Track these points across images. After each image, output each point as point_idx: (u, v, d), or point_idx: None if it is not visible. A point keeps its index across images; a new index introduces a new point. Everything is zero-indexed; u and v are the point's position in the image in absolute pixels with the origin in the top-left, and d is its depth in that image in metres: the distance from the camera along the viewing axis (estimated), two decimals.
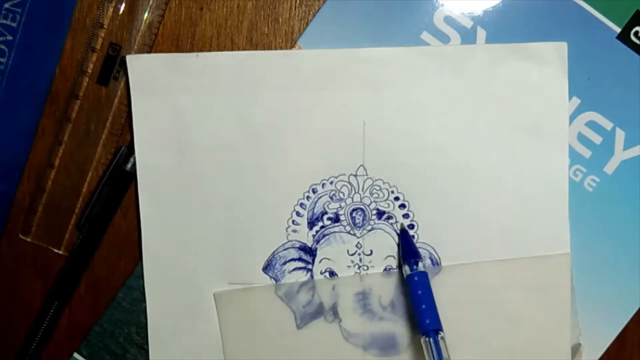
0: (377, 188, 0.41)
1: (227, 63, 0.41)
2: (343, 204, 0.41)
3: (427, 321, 0.37)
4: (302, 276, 0.42)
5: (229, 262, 0.41)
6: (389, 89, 0.40)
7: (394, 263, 0.41)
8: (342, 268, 0.42)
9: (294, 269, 0.41)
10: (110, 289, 0.43)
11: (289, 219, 0.41)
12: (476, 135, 0.41)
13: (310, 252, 0.41)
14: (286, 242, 0.41)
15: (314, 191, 0.41)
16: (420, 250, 0.41)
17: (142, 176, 0.41)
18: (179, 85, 0.41)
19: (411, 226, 0.41)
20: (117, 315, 0.43)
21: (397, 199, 0.41)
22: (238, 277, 0.41)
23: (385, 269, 0.41)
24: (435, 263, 0.41)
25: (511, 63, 0.40)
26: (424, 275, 0.39)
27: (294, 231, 0.41)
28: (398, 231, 0.41)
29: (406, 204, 0.41)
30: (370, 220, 0.41)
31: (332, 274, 0.42)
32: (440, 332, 0.37)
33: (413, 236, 0.41)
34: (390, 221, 0.41)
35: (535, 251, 0.41)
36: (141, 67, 0.41)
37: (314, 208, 0.41)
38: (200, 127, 0.41)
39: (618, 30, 0.40)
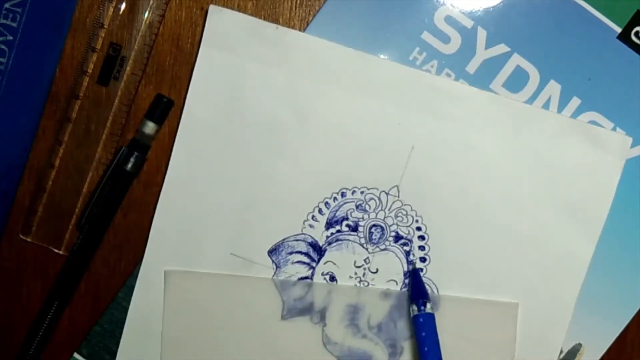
0: (404, 212, 0.41)
1: (303, 46, 0.40)
2: (366, 217, 0.41)
3: None
4: (304, 271, 0.42)
5: (239, 233, 0.41)
6: (448, 122, 0.40)
7: (395, 288, 0.41)
8: (343, 276, 0.42)
9: (298, 262, 0.41)
10: (110, 289, 0.43)
11: (310, 213, 0.41)
12: (516, 197, 0.41)
13: (319, 251, 0.41)
14: (299, 234, 0.41)
15: (342, 195, 0.41)
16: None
17: (185, 124, 0.41)
18: (250, 51, 0.40)
19: (423, 259, 0.41)
20: (117, 315, 0.43)
21: (419, 229, 0.41)
22: (241, 251, 0.41)
23: (384, 292, 0.41)
24: (434, 302, 0.41)
25: (573, 139, 0.40)
26: (430, 317, 0.39)
27: (311, 226, 0.41)
28: (410, 259, 0.41)
29: (426, 236, 0.41)
30: (387, 240, 0.41)
31: (333, 278, 0.42)
32: None
33: (421, 269, 0.41)
34: (405, 247, 0.41)
35: (535, 322, 0.41)
36: (220, 20, 0.40)
37: (337, 211, 0.41)
38: (255, 97, 0.41)
39: (619, 30, 0.40)
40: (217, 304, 0.42)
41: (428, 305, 0.39)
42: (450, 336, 0.40)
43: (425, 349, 0.38)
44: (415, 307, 0.39)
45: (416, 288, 0.40)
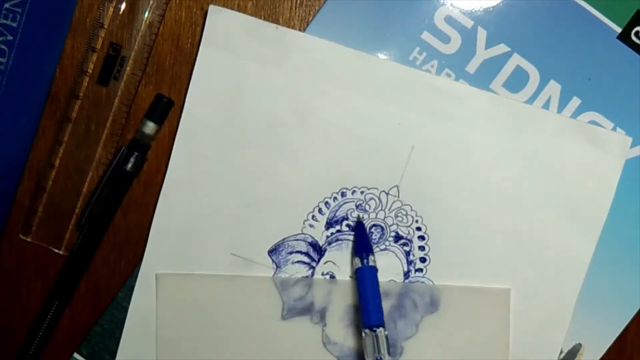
0: (404, 212, 0.41)
1: (303, 46, 0.40)
2: (366, 217, 0.41)
3: (371, 316, 0.37)
4: (304, 271, 0.42)
5: (239, 233, 0.41)
6: (448, 122, 0.40)
7: (395, 289, 0.41)
8: (343, 276, 0.42)
9: (298, 262, 0.41)
10: (110, 289, 0.43)
11: (310, 213, 0.41)
12: (516, 197, 0.41)
13: (319, 250, 0.41)
14: (299, 234, 0.41)
15: (342, 195, 0.41)
16: (424, 286, 0.41)
17: (184, 124, 0.41)
18: (250, 51, 0.40)
19: (423, 259, 0.41)
20: (117, 315, 0.43)
21: (419, 229, 0.41)
22: (241, 251, 0.41)
23: (384, 292, 0.41)
24: (435, 303, 0.41)
25: (573, 139, 0.40)
26: (372, 270, 0.39)
27: (311, 226, 0.41)
28: (404, 254, 0.41)
29: (426, 236, 0.41)
30: (386, 240, 0.41)
31: (333, 278, 0.42)
32: (381, 327, 0.37)
33: (421, 269, 0.41)
34: (405, 247, 0.41)
35: (535, 322, 0.41)
36: (220, 20, 0.40)
37: (337, 210, 0.41)
38: (255, 97, 0.41)
39: (619, 30, 0.40)
40: (215, 304, 0.42)
41: (371, 258, 0.39)
42: (447, 322, 0.41)
43: (368, 301, 0.38)
44: (358, 260, 0.39)
45: (360, 241, 0.40)
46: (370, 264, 0.39)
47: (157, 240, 0.42)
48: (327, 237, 0.41)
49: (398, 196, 0.41)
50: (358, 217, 0.41)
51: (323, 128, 0.41)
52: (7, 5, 0.40)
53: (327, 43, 0.40)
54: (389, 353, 0.37)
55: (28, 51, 0.41)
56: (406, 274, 0.41)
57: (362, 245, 0.40)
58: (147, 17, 0.41)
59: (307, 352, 0.42)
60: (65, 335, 0.44)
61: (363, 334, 0.37)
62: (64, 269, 0.43)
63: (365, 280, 0.39)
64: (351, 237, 0.41)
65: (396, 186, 0.41)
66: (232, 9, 0.41)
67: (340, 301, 0.42)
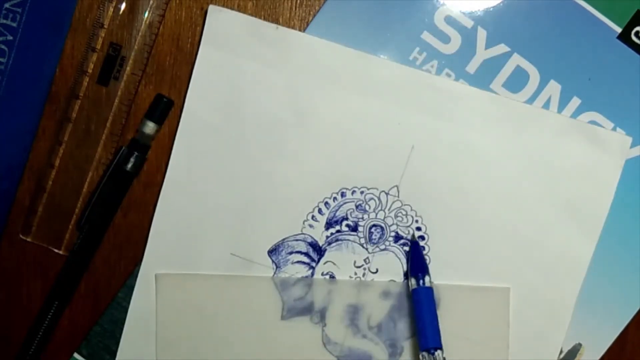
0: (403, 213, 0.41)
1: (303, 46, 0.40)
2: (365, 217, 0.41)
3: (428, 338, 0.37)
4: (304, 271, 0.42)
5: (239, 233, 0.41)
6: (448, 122, 0.40)
7: (395, 288, 0.41)
8: (343, 276, 0.42)
9: (298, 262, 0.41)
10: (110, 289, 0.43)
11: (310, 213, 0.41)
12: (516, 197, 0.40)
13: (319, 250, 0.41)
14: (299, 234, 0.41)
15: (342, 195, 0.41)
16: None
17: (184, 124, 0.41)
18: (249, 50, 0.40)
19: None
20: (117, 315, 0.43)
21: (418, 229, 0.41)
22: (241, 251, 0.41)
23: (384, 291, 0.41)
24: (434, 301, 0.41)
25: (573, 139, 0.40)
26: (429, 291, 0.39)
27: (310, 226, 0.41)
28: (404, 254, 0.41)
29: (425, 236, 0.41)
30: (386, 240, 0.41)
31: (332, 278, 0.42)
32: (439, 350, 0.37)
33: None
34: (405, 248, 0.41)
35: (535, 322, 0.41)
36: (220, 20, 0.40)
37: (336, 211, 0.41)
38: (255, 97, 0.41)
39: (619, 30, 0.40)
40: (215, 304, 0.42)
41: (427, 279, 0.39)
42: (447, 322, 0.40)
43: (425, 322, 0.38)
44: (414, 281, 0.39)
45: (416, 261, 0.40)
46: (427, 284, 0.39)
47: (157, 240, 0.42)
48: (327, 237, 0.41)
49: (398, 196, 0.41)
50: (413, 236, 0.41)
51: (323, 128, 0.41)
52: (7, 5, 0.40)
53: (327, 43, 0.40)
54: None
55: (28, 51, 0.41)
56: (406, 274, 0.41)
57: (418, 265, 0.39)
58: (147, 17, 0.41)
59: (307, 352, 0.42)
60: (65, 335, 0.44)
61: (420, 357, 0.37)
62: (64, 269, 0.43)
63: (422, 301, 0.38)
64: (350, 237, 0.41)
65: (396, 186, 0.41)
66: (232, 9, 0.41)
67: (340, 301, 0.42)
